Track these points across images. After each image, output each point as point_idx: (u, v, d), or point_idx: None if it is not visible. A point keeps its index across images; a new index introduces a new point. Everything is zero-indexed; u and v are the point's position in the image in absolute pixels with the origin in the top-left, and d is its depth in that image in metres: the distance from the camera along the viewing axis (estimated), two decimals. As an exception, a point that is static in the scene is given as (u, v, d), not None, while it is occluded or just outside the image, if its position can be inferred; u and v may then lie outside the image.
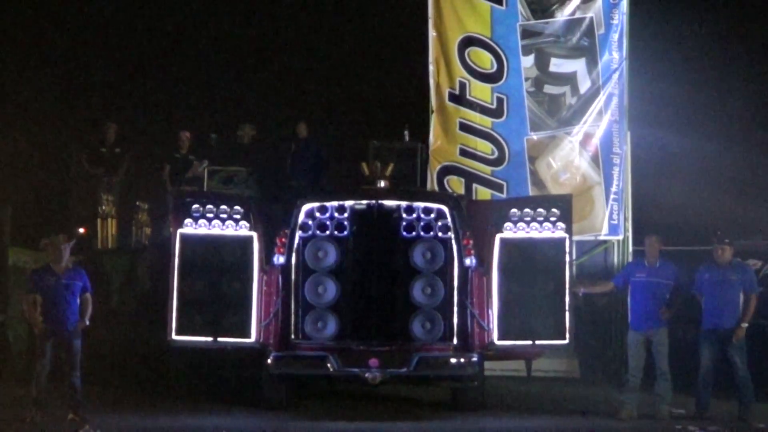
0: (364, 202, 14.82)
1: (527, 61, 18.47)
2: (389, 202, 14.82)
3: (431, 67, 18.66)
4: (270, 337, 14.61)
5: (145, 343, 17.50)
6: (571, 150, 18.39)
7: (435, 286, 14.58)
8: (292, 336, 14.61)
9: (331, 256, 14.67)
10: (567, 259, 14.72)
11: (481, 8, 18.53)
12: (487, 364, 15.35)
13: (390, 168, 15.32)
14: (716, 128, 20.89)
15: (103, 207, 20.02)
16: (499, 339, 14.58)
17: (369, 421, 14.58)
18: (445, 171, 18.50)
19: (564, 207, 14.88)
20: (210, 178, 19.78)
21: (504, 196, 18.11)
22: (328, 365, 14.39)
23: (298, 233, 14.72)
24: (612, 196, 18.23)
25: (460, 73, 18.53)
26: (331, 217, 14.76)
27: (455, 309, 14.60)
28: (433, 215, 14.75)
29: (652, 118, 19.53)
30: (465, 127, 18.50)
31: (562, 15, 18.49)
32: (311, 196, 15.17)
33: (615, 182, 18.24)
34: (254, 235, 14.70)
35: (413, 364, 14.36)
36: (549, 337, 14.67)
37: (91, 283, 14.55)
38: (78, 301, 14.30)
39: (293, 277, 14.67)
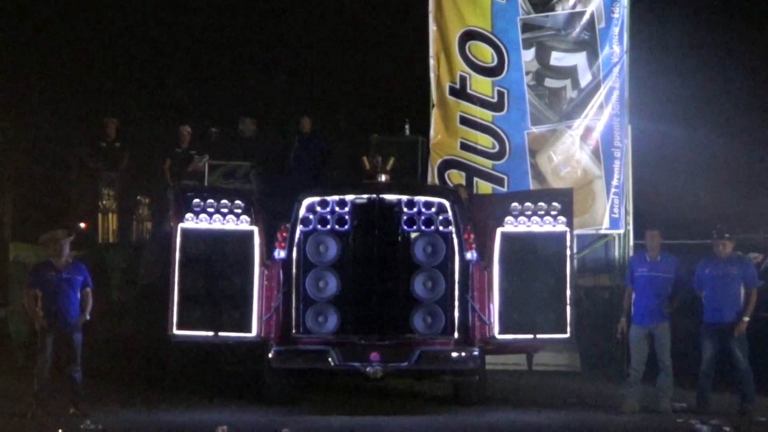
0: (365, 196, 14.79)
1: (528, 55, 18.47)
2: (390, 196, 14.79)
3: (432, 61, 18.66)
4: (271, 332, 14.60)
5: (145, 338, 17.52)
6: (572, 144, 18.41)
7: (436, 280, 14.55)
8: (293, 330, 14.60)
9: (332, 250, 14.65)
10: (568, 252, 14.71)
11: (482, 2, 18.53)
12: (489, 358, 15.32)
13: (391, 162, 15.29)
14: (717, 121, 20.90)
15: (104, 202, 20.04)
16: (500, 333, 14.57)
17: (370, 415, 14.57)
18: (446, 165, 18.51)
19: (565, 201, 14.87)
20: (211, 172, 19.77)
21: (505, 189, 18.12)
22: (329, 359, 14.38)
23: (299, 227, 14.70)
24: (613, 190, 18.23)
25: (461, 67, 18.53)
26: (332, 212, 14.73)
27: (456, 303, 14.57)
28: (434, 209, 14.72)
29: (653, 111, 19.52)
30: (466, 121, 18.51)
31: (563, 8, 18.48)
32: (312, 190, 15.16)
33: (616, 176, 18.24)
34: (255, 229, 14.69)
35: (414, 359, 14.36)
36: (550, 330, 14.67)
37: (92, 277, 14.55)
38: (78, 295, 14.30)
39: (294, 271, 14.66)
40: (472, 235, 14.66)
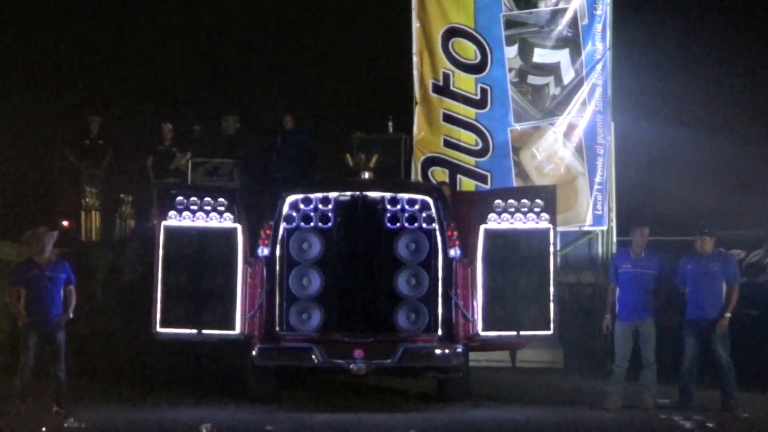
0: (349, 193, 14.80)
1: (511, 52, 18.48)
2: (373, 194, 14.80)
3: (415, 59, 18.65)
4: (254, 329, 14.58)
5: (129, 336, 17.48)
6: (555, 141, 18.42)
7: (419, 277, 14.57)
8: (277, 328, 14.59)
9: (315, 247, 14.65)
10: (551, 249, 14.72)
11: (465, -2, 18.55)
12: (472, 355, 15.34)
13: (374, 159, 15.28)
14: (701, 118, 20.94)
15: (87, 199, 20.01)
16: (483, 330, 14.57)
17: (354, 412, 14.57)
18: (429, 162, 18.51)
19: (548, 198, 14.88)
20: (194, 170, 19.74)
21: (488, 187, 18.12)
22: (313, 357, 14.38)
23: (283, 225, 14.70)
24: (596, 187, 18.25)
25: (444, 64, 18.53)
26: (316, 209, 14.74)
27: (440, 300, 14.58)
28: (417, 206, 14.73)
29: (636, 108, 19.56)
30: (449, 118, 18.51)
31: (546, 5, 18.49)
32: (295, 187, 15.15)
33: (599, 173, 18.26)
34: (238, 227, 14.67)
35: (398, 356, 14.36)
36: (533, 327, 14.68)
37: (75, 275, 14.52)
38: (61, 293, 14.26)
39: (278, 268, 14.65)
40: (455, 232, 14.68)
